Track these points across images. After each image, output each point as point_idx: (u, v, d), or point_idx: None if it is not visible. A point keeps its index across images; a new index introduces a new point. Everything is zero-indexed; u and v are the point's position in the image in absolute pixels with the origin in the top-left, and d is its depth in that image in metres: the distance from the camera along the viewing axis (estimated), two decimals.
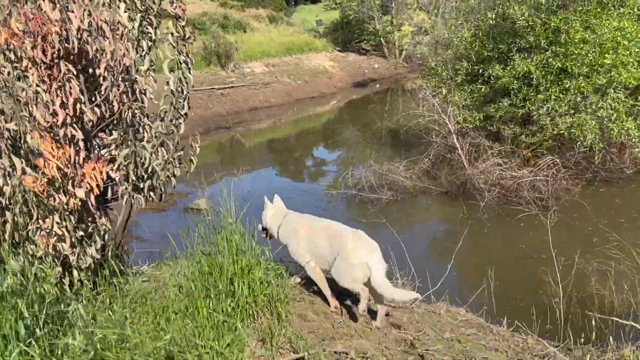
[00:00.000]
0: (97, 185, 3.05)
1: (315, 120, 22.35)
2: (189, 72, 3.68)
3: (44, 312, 2.52)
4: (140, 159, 3.51)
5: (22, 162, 3.11)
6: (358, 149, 16.70)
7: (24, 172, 3.09)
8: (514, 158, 10.56)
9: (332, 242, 4.11)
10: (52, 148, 2.84)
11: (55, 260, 3.23)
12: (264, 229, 4.61)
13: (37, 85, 3.09)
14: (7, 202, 3.10)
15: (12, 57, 3.53)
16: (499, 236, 9.03)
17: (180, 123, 3.80)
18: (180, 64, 3.63)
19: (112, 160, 3.61)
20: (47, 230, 3.10)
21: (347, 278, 3.97)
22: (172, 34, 3.56)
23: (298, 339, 3.48)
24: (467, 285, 7.19)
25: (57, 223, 3.10)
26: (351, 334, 3.80)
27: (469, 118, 11.10)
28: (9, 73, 3.54)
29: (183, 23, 3.54)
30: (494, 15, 11.22)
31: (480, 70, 11.21)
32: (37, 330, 2.47)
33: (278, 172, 15.45)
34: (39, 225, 3.14)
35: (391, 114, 21.63)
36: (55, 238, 3.13)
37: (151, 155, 3.56)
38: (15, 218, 3.13)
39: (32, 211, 3.10)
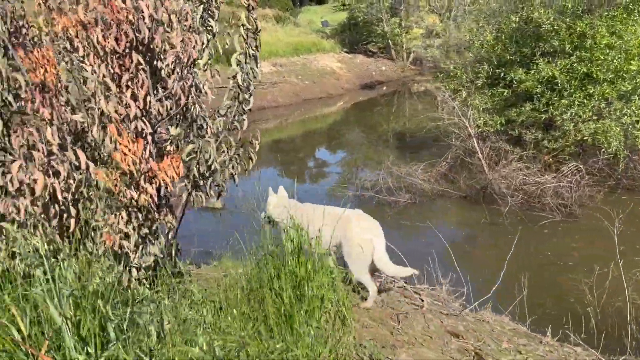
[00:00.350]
0: (172, 181, 2.91)
1: (322, 121, 22.20)
2: (256, 66, 3.55)
3: (128, 313, 2.38)
4: (204, 155, 3.38)
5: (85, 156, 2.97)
6: (362, 150, 16.57)
7: (87, 167, 2.95)
8: (535, 163, 10.43)
9: (339, 229, 4.18)
10: (128, 141, 2.70)
11: (117, 258, 3.09)
12: (267, 217, 4.62)
13: (104, 77, 2.95)
14: (72, 197, 2.96)
15: (68, 46, 3.39)
16: (522, 242, 8.86)
17: (244, 119, 3.68)
18: (249, 57, 3.50)
19: None
20: (113, 227, 2.96)
21: (358, 262, 4.10)
22: (243, 25, 3.43)
23: (361, 347, 3.36)
24: (497, 291, 7.05)
25: (123, 219, 2.97)
26: (412, 342, 3.67)
27: (489, 122, 10.96)
28: (66, 62, 3.41)
29: (255, 15, 3.41)
30: (517, 19, 11.12)
31: (502, 74, 11.08)
32: (118, 332, 2.33)
33: (285, 172, 15.30)
34: (102, 222, 2.99)
35: (397, 117, 21.58)
36: (119, 235, 2.99)
37: (214, 152, 3.43)
38: (80, 214, 2.99)
39: (97, 207, 2.96)
